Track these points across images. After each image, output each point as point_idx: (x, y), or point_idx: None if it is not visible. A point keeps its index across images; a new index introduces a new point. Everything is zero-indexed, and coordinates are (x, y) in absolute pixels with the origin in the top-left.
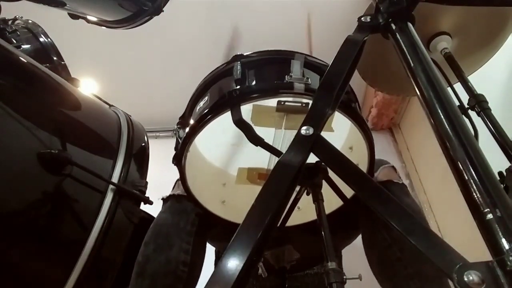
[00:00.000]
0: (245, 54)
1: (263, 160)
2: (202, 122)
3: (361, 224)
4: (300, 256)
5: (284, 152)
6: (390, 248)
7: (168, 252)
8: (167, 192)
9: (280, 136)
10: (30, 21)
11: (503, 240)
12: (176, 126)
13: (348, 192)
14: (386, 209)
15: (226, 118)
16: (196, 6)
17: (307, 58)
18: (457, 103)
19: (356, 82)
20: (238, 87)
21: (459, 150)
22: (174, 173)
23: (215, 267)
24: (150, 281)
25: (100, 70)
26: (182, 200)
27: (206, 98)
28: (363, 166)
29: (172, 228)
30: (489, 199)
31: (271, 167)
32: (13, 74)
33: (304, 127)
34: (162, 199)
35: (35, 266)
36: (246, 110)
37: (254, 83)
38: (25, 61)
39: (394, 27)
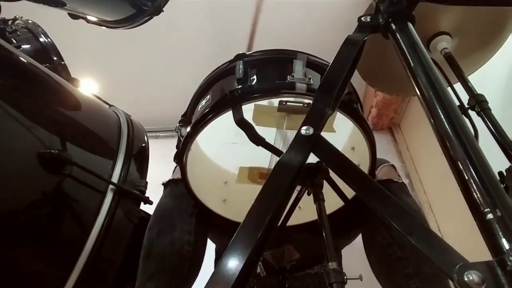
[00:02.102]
0: (247, 53)
1: (265, 160)
2: (204, 121)
3: (361, 224)
4: (300, 256)
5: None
6: (390, 247)
7: (172, 234)
8: None
9: (282, 136)
10: (30, 21)
11: (503, 240)
12: (178, 124)
13: (349, 192)
14: (386, 209)
15: (227, 117)
16: (196, 6)
17: (310, 58)
18: (457, 103)
19: (356, 82)
20: (240, 86)
21: (459, 150)
22: None
23: (215, 267)
24: (157, 263)
25: (100, 70)
26: (181, 184)
27: (208, 97)
28: (365, 167)
29: (173, 211)
30: (489, 199)
31: (273, 166)
32: (13, 74)
33: (304, 127)
34: (163, 184)
35: (35, 266)
36: (248, 109)
37: (256, 82)
38: (25, 61)
39: (394, 27)
